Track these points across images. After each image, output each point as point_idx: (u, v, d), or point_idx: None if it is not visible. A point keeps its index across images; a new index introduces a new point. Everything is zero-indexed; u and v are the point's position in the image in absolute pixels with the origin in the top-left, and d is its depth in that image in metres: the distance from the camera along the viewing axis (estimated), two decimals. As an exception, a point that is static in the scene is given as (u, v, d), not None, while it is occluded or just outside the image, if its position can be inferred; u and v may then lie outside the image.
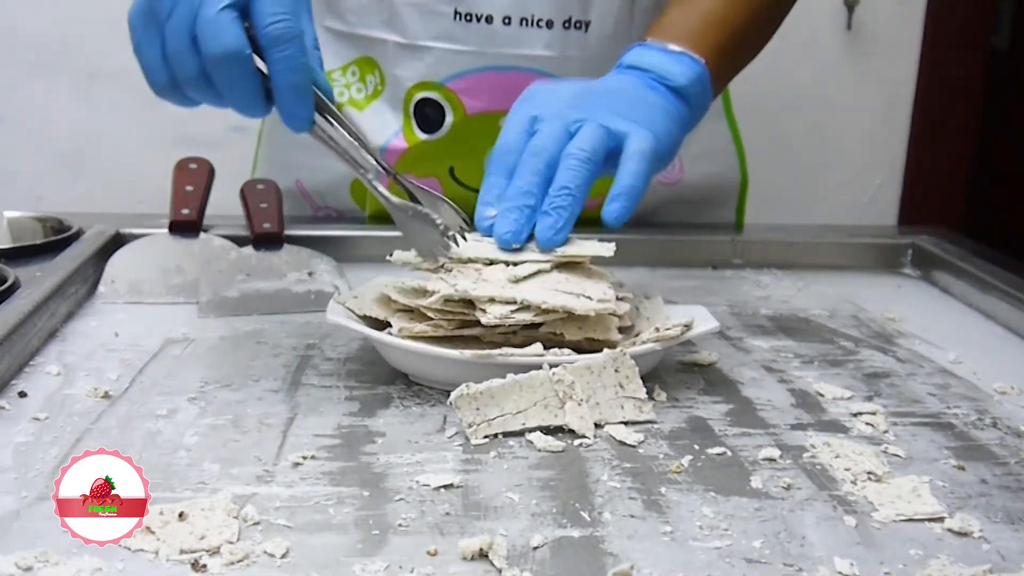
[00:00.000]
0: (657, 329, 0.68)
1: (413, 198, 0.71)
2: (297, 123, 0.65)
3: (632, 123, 0.73)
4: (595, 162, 0.70)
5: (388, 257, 0.71)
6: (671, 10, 0.85)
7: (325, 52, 1.01)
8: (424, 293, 0.67)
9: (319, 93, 0.66)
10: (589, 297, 0.66)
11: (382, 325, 0.69)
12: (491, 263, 0.69)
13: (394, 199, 0.69)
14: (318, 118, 0.67)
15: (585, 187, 0.70)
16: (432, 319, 0.66)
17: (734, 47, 0.84)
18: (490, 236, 0.70)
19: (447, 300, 0.65)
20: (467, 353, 0.63)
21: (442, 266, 0.69)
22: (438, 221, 0.68)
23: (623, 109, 0.74)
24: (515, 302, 0.64)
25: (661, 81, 0.78)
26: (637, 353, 0.65)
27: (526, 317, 0.64)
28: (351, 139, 0.69)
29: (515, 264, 0.68)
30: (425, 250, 0.69)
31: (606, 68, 0.98)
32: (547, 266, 0.68)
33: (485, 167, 0.73)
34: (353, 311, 0.70)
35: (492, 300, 0.64)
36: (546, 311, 0.64)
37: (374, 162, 0.70)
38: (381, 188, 0.69)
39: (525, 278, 0.67)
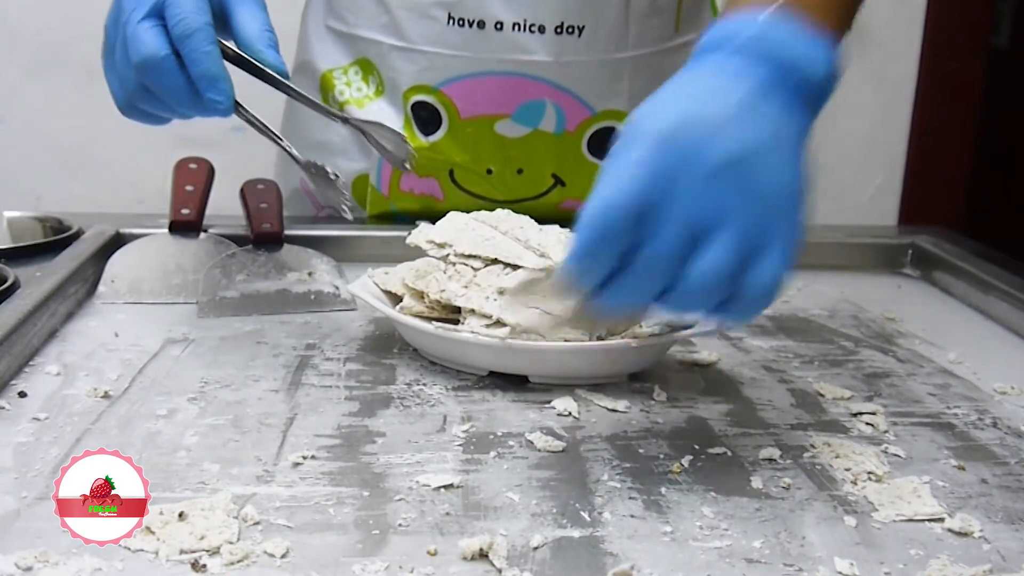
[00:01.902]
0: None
1: (365, 133, 0.75)
2: (213, 108, 0.69)
3: (774, 234, 0.52)
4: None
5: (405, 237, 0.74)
6: None
7: (328, 51, 1.02)
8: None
9: (270, 72, 0.71)
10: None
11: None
12: (494, 261, 0.70)
13: (300, 159, 0.75)
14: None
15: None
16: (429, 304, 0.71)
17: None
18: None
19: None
20: (435, 326, 0.69)
21: (446, 258, 0.72)
22: (332, 176, 0.74)
23: (768, 195, 0.52)
24: (491, 317, 0.67)
25: (792, 78, 0.58)
26: (639, 345, 0.67)
27: (498, 333, 0.67)
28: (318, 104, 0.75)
29: (513, 268, 0.69)
30: (332, 200, 0.75)
31: (601, 73, 0.97)
32: (541, 273, 0.68)
33: (576, 233, 0.52)
34: (379, 285, 0.75)
35: (472, 312, 0.68)
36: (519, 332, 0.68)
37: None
38: (294, 152, 0.75)
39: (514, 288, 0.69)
